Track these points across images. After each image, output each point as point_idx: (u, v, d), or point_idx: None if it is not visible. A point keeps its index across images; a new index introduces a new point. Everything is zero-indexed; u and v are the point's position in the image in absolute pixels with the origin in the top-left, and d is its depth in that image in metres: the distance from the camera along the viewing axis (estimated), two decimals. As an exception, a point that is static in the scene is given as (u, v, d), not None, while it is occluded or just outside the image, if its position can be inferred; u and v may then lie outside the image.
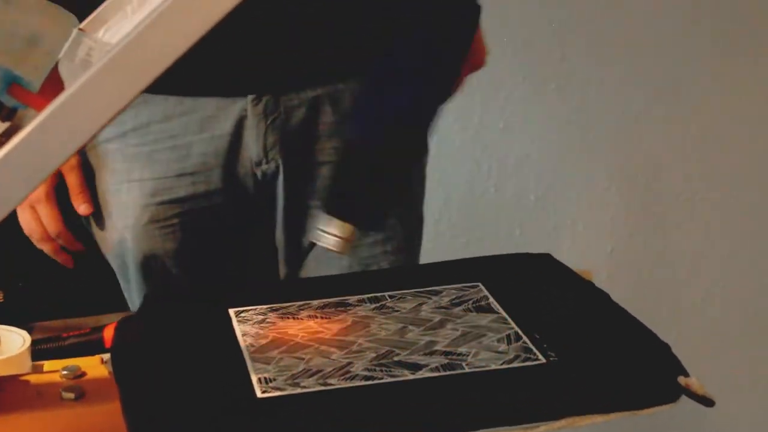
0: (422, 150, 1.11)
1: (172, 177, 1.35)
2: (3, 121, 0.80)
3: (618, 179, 2.21)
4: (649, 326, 1.00)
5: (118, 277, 1.43)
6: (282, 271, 1.42)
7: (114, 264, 1.43)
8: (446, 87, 1.12)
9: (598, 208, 2.22)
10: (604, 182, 2.20)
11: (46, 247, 1.43)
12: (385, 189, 1.12)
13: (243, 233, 1.41)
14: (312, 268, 1.36)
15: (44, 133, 0.74)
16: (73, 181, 1.39)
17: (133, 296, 1.42)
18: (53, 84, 0.85)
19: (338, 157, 1.15)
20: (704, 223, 2.26)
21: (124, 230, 1.38)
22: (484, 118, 2.11)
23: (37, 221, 1.41)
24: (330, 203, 1.11)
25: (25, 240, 1.44)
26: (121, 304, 1.45)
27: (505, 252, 1.52)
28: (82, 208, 1.39)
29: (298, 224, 1.38)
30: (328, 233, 1.09)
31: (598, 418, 0.88)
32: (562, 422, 0.88)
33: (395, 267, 1.37)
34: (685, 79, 2.17)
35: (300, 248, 1.39)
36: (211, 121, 1.33)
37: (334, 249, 1.10)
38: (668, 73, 2.17)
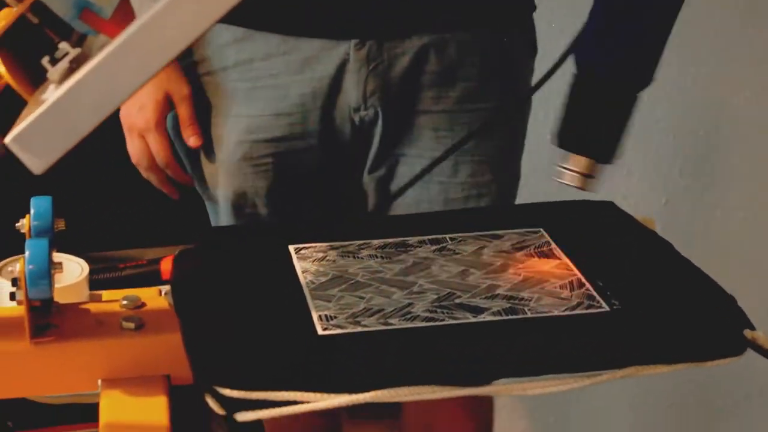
0: (648, 81, 1.09)
1: (269, 116, 1.34)
2: (73, 47, 0.80)
3: (676, 130, 2.18)
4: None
5: (208, 209, 1.44)
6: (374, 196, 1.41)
7: (204, 196, 1.43)
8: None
9: (654, 159, 2.19)
10: (662, 133, 2.18)
11: (152, 177, 1.44)
12: (619, 119, 1.10)
13: (334, 177, 1.40)
14: (400, 213, 1.36)
15: (116, 62, 0.73)
16: (184, 112, 1.39)
17: None
18: (124, 11, 0.85)
19: (574, 91, 1.13)
20: (761, 177, 2.23)
21: (218, 165, 1.38)
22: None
23: (146, 150, 1.41)
24: (564, 137, 1.10)
25: (88, 169, 1.44)
26: (176, 236, 1.45)
27: (560, 199, 1.51)
28: (192, 140, 1.39)
29: (388, 171, 1.37)
30: (567, 169, 1.08)
31: (661, 369, 0.87)
32: (626, 371, 0.87)
33: (457, 210, 1.36)
34: (752, 33, 2.14)
35: (388, 195, 1.38)
36: (312, 63, 1.32)
37: (577, 185, 1.08)
38: (734, 24, 2.14)
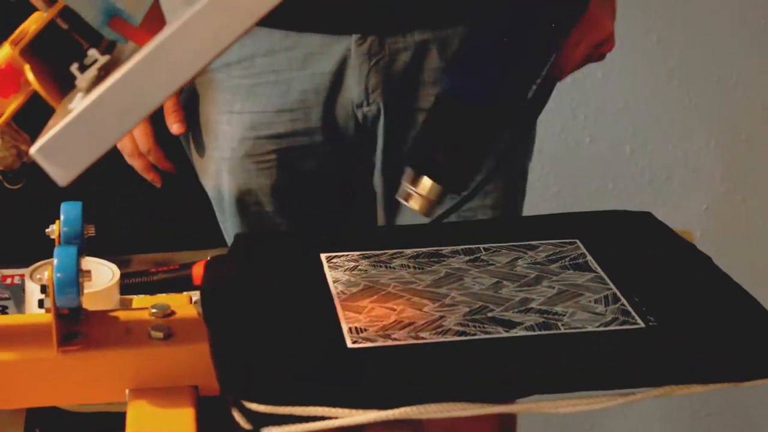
0: (523, 121, 1.07)
1: (272, 112, 1.33)
2: (102, 54, 0.79)
3: (717, 135, 2.16)
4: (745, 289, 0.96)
5: (214, 207, 1.43)
6: (380, 217, 1.40)
7: (211, 194, 1.43)
8: (545, 57, 1.08)
9: (695, 164, 2.17)
10: (703, 137, 2.15)
11: (136, 164, 1.43)
12: (480, 153, 1.09)
13: (341, 176, 1.39)
14: (409, 216, 1.34)
15: (145, 71, 0.72)
16: (167, 100, 1.38)
17: (228, 228, 1.42)
18: (154, 19, 0.84)
19: (433, 110, 1.12)
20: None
21: (221, 161, 1.38)
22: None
23: (129, 136, 1.41)
24: (418, 159, 1.08)
25: (119, 173, 1.44)
26: (207, 241, 1.44)
27: (596, 205, 1.49)
28: (175, 127, 1.39)
29: (396, 170, 1.36)
30: (413, 191, 1.07)
31: (697, 389, 0.85)
32: (660, 390, 0.85)
33: (491, 219, 1.35)
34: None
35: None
36: (314, 58, 1.31)
37: (416, 207, 1.07)
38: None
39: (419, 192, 1.07)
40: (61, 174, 0.71)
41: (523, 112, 1.12)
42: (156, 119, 1.40)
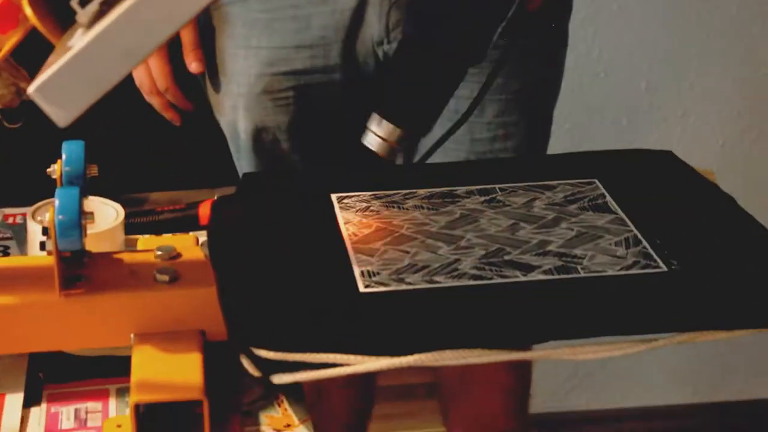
0: (480, 58, 1.04)
1: (290, 48, 1.30)
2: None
3: (734, 71, 2.12)
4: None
5: (229, 143, 1.41)
6: (399, 158, 1.37)
7: (226, 130, 1.40)
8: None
9: (711, 101, 2.13)
10: (719, 74, 2.11)
11: (154, 101, 1.42)
12: (441, 96, 1.06)
13: (359, 115, 1.36)
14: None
15: (150, 4, 0.68)
16: (186, 37, 1.36)
17: (243, 165, 1.40)
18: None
19: (396, 52, 1.09)
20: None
21: (238, 97, 1.35)
22: (597, -1, 2.03)
23: (148, 73, 1.39)
24: (380, 102, 1.05)
25: (123, 113, 1.42)
26: (216, 179, 1.41)
27: (610, 142, 1.45)
28: (194, 66, 1.37)
29: None
30: (375, 133, 1.04)
31: (721, 335, 0.83)
32: (683, 337, 0.82)
33: (506, 158, 1.32)
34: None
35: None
36: None
37: (377, 150, 1.04)
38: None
39: (381, 135, 1.04)
40: (61, 115, 0.68)
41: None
42: (174, 57, 1.37)
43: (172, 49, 1.37)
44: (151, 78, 1.39)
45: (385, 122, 1.04)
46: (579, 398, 2.39)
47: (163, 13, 0.68)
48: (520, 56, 1.30)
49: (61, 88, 0.68)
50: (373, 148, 1.05)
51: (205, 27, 1.37)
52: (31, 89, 0.68)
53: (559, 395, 2.37)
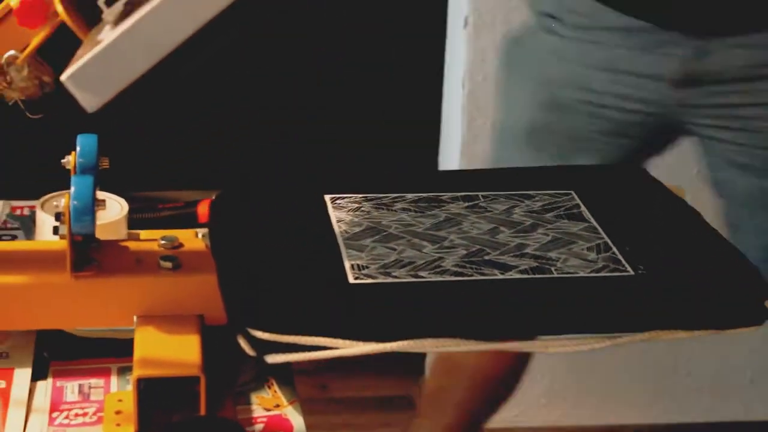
0: None
1: None
2: (127, -9, 0.82)
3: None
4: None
5: None
6: None
7: None
8: None
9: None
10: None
11: None
12: None
13: None
14: None
15: (173, 5, 0.75)
16: None
17: None
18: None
19: None
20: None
21: None
22: None
23: None
24: None
25: (135, 109, 1.47)
26: (215, 180, 1.47)
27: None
28: None
29: None
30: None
31: (681, 334, 0.90)
32: (645, 335, 0.89)
33: (491, 168, 1.38)
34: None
35: None
36: None
37: None
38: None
39: None
40: (90, 100, 0.75)
41: None
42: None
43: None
44: None
45: None
46: (551, 414, 2.44)
47: (185, 12, 0.75)
48: None
49: (90, 76, 0.75)
50: None
51: None
52: (64, 76, 0.75)
53: (533, 409, 2.43)
